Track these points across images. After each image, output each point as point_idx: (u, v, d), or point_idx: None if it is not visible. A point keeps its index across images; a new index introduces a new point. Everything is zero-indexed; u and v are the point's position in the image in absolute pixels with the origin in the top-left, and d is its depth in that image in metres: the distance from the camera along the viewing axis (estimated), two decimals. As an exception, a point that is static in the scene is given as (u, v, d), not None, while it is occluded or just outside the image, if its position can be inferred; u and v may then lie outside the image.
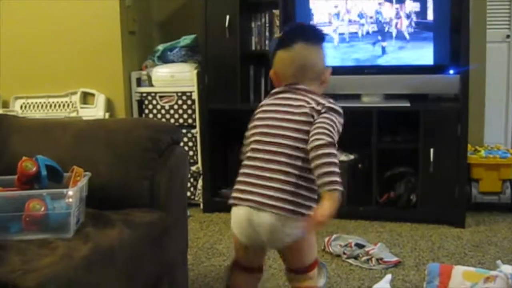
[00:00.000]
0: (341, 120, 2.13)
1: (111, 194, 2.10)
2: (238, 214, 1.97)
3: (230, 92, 3.87)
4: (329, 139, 1.92)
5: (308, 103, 2.09)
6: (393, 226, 3.63)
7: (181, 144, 3.94)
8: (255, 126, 2.10)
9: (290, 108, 2.08)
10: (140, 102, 4.21)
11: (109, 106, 4.16)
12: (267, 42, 3.97)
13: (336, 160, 1.88)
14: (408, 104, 3.69)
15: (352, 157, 3.84)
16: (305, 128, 2.00)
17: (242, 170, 2.01)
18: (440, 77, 3.70)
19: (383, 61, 3.80)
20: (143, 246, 1.92)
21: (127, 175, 2.12)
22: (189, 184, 4.12)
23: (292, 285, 2.15)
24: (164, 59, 4.25)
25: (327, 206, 1.80)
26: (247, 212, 1.94)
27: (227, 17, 3.83)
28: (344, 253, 3.11)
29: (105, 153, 2.15)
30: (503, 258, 2.95)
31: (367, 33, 3.79)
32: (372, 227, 3.63)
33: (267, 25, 3.95)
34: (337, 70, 3.83)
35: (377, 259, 3.01)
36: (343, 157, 3.83)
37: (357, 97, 3.90)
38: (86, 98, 4.20)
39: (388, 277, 2.76)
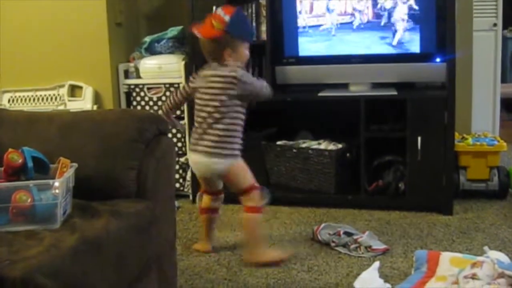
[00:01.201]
0: None
1: (98, 185, 2.09)
2: (192, 158, 2.99)
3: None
4: None
5: None
6: (382, 214, 3.64)
7: (170, 135, 3.96)
8: None
9: None
10: (128, 94, 4.21)
11: (97, 98, 4.15)
12: (255, 32, 3.97)
13: None
14: (395, 93, 3.71)
15: (340, 146, 3.86)
16: None
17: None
18: (426, 65, 3.72)
19: (370, 50, 3.81)
20: (130, 236, 1.92)
21: (113, 165, 2.11)
22: (178, 176, 4.12)
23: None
24: (151, 51, 4.24)
25: None
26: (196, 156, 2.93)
27: (214, 7, 3.81)
28: (333, 242, 3.13)
29: (91, 144, 2.15)
30: (490, 244, 2.98)
31: (354, 22, 3.80)
32: (361, 216, 3.65)
33: (254, 15, 3.95)
34: (325, 60, 3.90)
35: (366, 247, 3.03)
36: (331, 146, 3.85)
37: (344, 86, 3.92)
38: (74, 90, 4.19)
39: (376, 264, 2.78)
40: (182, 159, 4.08)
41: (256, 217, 2.96)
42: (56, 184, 1.82)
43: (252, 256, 2.96)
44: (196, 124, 2.96)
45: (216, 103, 2.87)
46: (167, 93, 4.08)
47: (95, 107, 4.09)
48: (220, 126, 2.86)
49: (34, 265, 1.48)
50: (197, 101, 2.98)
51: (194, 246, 3.20)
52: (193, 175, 4.02)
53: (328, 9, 3.84)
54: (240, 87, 2.86)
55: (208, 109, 2.88)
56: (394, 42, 3.75)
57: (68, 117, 2.33)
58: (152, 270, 2.15)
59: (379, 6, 3.74)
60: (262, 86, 2.98)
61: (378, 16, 3.75)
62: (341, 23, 3.83)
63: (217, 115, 2.86)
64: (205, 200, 3.14)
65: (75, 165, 1.99)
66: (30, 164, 1.90)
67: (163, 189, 2.25)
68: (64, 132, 2.21)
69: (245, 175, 2.96)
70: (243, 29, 2.98)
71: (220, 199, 3.16)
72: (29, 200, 1.78)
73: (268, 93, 3.04)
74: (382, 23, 3.75)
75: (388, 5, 3.71)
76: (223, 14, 2.85)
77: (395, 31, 3.74)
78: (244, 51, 2.96)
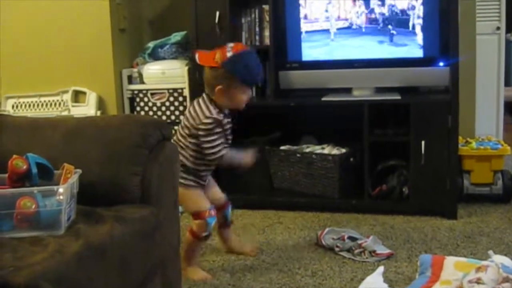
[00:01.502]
0: None
1: (102, 190, 2.09)
2: None
3: (221, 88, 3.87)
4: None
5: None
6: (386, 219, 3.64)
7: (173, 140, 3.97)
8: None
9: None
10: (132, 100, 4.22)
11: (101, 104, 4.16)
12: (257, 37, 3.98)
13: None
14: (398, 97, 3.71)
15: (343, 150, 3.86)
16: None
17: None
18: (430, 69, 3.72)
19: (373, 54, 3.81)
20: (135, 242, 1.92)
21: (117, 171, 2.11)
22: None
23: None
24: (155, 56, 4.25)
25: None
26: None
27: (217, 13, 3.84)
28: (337, 246, 3.12)
29: (95, 150, 2.15)
30: (494, 249, 2.98)
31: (357, 27, 3.81)
32: (365, 220, 3.64)
33: (257, 20, 3.96)
34: (328, 65, 3.90)
35: (370, 252, 3.03)
36: (335, 151, 3.86)
37: (348, 90, 3.92)
38: (78, 96, 4.20)
39: (381, 269, 2.77)
40: (186, 164, 4.08)
41: (194, 240, 2.92)
42: (61, 190, 1.82)
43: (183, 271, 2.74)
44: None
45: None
46: (171, 99, 4.09)
47: (98, 113, 4.10)
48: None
49: (38, 271, 1.49)
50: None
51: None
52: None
53: (330, 14, 3.84)
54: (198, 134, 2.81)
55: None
56: (398, 46, 3.75)
57: (72, 123, 2.34)
58: (156, 275, 2.15)
59: (381, 11, 3.73)
60: (214, 152, 2.83)
61: (381, 20, 3.75)
62: (344, 28, 3.83)
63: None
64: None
65: (79, 171, 1.99)
66: (34, 170, 1.90)
67: (167, 195, 2.25)
68: (68, 138, 2.22)
69: (190, 202, 2.91)
70: (243, 71, 2.79)
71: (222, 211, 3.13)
72: (33, 206, 1.78)
73: (216, 161, 2.89)
74: (386, 28, 3.75)
75: (391, 10, 3.71)
76: (228, 49, 2.78)
77: (399, 35, 3.74)
78: (240, 95, 2.84)
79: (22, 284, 1.43)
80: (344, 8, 3.82)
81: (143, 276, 2.01)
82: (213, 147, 2.81)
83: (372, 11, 3.76)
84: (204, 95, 2.88)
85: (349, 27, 3.83)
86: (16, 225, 1.79)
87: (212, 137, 2.80)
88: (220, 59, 2.75)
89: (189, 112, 2.87)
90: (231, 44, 2.82)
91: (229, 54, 2.75)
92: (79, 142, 2.20)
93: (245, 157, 2.95)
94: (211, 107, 2.82)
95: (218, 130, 2.81)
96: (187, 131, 2.85)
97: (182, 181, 2.75)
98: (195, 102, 2.89)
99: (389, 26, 3.74)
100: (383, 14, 3.74)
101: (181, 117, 3.00)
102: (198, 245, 2.95)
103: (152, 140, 2.21)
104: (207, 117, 2.79)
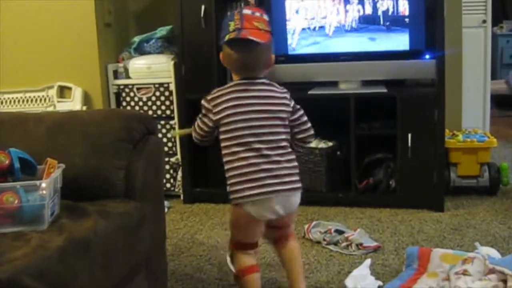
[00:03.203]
0: None
1: (86, 185, 2.09)
2: (265, 201, 2.25)
3: (207, 83, 3.84)
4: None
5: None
6: (373, 212, 3.64)
7: (160, 135, 3.96)
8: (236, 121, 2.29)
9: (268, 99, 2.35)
10: (118, 95, 4.19)
11: (86, 99, 4.14)
12: (243, 31, 3.96)
13: None
14: (385, 90, 3.71)
15: (330, 144, 3.85)
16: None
17: (246, 168, 2.25)
18: (416, 62, 3.72)
19: (359, 47, 3.80)
20: (119, 236, 1.91)
21: (101, 165, 2.10)
22: (168, 176, 4.11)
23: (280, 243, 2.48)
24: (140, 51, 4.23)
25: None
26: (275, 200, 2.27)
27: (203, 7, 3.82)
28: (324, 240, 3.12)
29: (79, 145, 2.14)
30: (481, 240, 2.99)
31: (343, 20, 3.80)
32: (352, 213, 3.64)
33: (242, 14, 3.94)
34: (314, 58, 3.89)
35: (357, 245, 3.03)
36: (322, 144, 3.85)
37: (334, 84, 3.92)
38: (63, 92, 4.18)
39: (368, 262, 2.78)
40: (172, 159, 4.07)
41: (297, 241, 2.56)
42: (43, 185, 1.80)
43: (302, 284, 2.44)
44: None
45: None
46: (157, 93, 4.07)
47: (84, 108, 4.07)
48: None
49: (20, 266, 1.48)
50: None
51: None
52: (184, 173, 4.02)
53: (317, 7, 3.83)
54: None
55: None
56: (384, 39, 3.75)
57: (56, 118, 2.32)
58: (141, 270, 2.14)
59: (368, 4, 3.73)
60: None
61: (367, 13, 3.74)
62: (331, 21, 3.82)
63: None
64: (242, 259, 2.41)
65: (62, 165, 1.97)
66: (17, 165, 1.89)
67: (152, 189, 2.24)
68: (51, 133, 2.20)
69: None
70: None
71: (257, 254, 2.54)
72: (16, 202, 1.77)
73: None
74: (372, 21, 3.74)
75: (377, 2, 3.71)
76: (259, 14, 2.32)
77: (385, 28, 3.73)
78: None
79: (4, 279, 1.42)
80: (330, 2, 3.80)
81: (128, 270, 2.00)
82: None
83: (358, 5, 3.75)
84: (256, 81, 2.35)
85: (335, 21, 3.81)
86: (-1, 220, 1.77)
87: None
88: (267, 26, 2.31)
89: (261, 104, 2.32)
90: (247, 11, 2.32)
91: (266, 17, 2.34)
92: (62, 137, 2.19)
93: None
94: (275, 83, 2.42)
95: None
96: (279, 123, 2.33)
97: (300, 184, 2.40)
98: (256, 92, 2.33)
99: (376, 19, 3.73)
100: (369, 8, 3.73)
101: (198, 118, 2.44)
102: None
103: (136, 134, 2.20)
104: (288, 91, 2.42)
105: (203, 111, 2.37)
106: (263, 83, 2.36)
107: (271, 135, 2.28)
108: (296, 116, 2.41)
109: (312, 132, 2.47)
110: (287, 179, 2.30)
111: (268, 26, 2.32)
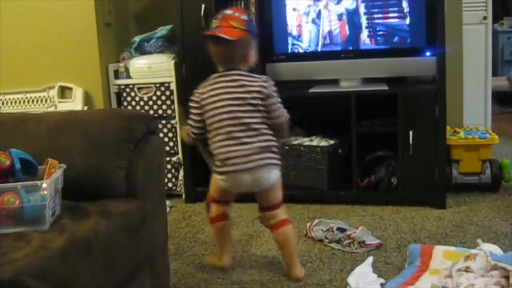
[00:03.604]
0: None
1: (87, 185, 2.08)
2: (236, 178, 2.62)
3: (208, 81, 3.85)
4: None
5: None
6: (375, 210, 3.64)
7: (161, 134, 3.96)
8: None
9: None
10: (119, 95, 4.19)
11: (87, 99, 4.14)
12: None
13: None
14: (386, 88, 3.71)
15: (332, 142, 3.85)
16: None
17: (224, 144, 2.61)
18: (417, 59, 3.72)
19: (359, 45, 3.80)
20: (120, 236, 1.91)
21: (102, 165, 2.10)
22: (170, 175, 4.11)
23: (268, 223, 2.77)
24: (141, 51, 4.23)
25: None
26: (244, 176, 2.60)
27: (203, 6, 3.81)
28: (326, 238, 3.12)
29: (80, 145, 2.14)
30: (483, 237, 2.98)
31: (343, 17, 3.79)
32: (354, 211, 3.64)
33: (243, 12, 3.94)
34: (315, 56, 3.89)
35: (359, 242, 3.03)
36: (323, 143, 3.84)
37: (335, 82, 3.91)
38: (64, 92, 4.17)
39: (370, 259, 2.78)
40: (174, 158, 4.07)
41: (291, 228, 2.79)
42: (44, 185, 1.80)
43: (299, 271, 2.74)
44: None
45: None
46: (158, 93, 4.07)
47: (85, 108, 4.07)
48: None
49: (21, 267, 1.47)
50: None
51: (206, 259, 3.00)
52: (185, 172, 4.02)
53: (317, 5, 3.83)
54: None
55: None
56: (384, 36, 3.75)
57: (56, 118, 2.32)
58: (143, 270, 2.14)
59: (368, 1, 3.73)
60: (284, 111, 2.70)
61: (367, 11, 3.74)
62: (330, 18, 3.82)
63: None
64: (216, 208, 2.84)
65: (63, 166, 1.97)
66: (17, 165, 1.89)
67: (153, 188, 2.24)
68: (52, 133, 2.20)
69: (281, 188, 2.79)
70: (255, 29, 2.75)
71: (231, 207, 2.92)
72: (17, 202, 1.77)
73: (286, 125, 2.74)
74: (371, 17, 3.74)
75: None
76: (238, 14, 2.66)
77: (385, 25, 3.73)
78: (255, 52, 2.75)
79: (6, 280, 1.42)
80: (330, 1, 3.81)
81: (130, 270, 2.00)
82: (282, 108, 2.68)
83: (358, 2, 3.75)
84: (231, 73, 2.65)
85: (335, 17, 3.82)
86: (0, 221, 1.77)
87: (278, 98, 2.69)
88: (243, 25, 2.62)
89: (235, 92, 2.62)
90: (228, 11, 2.68)
91: (244, 17, 2.66)
92: (63, 137, 2.18)
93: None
94: (254, 74, 2.69)
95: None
96: (250, 109, 2.61)
97: (277, 162, 2.67)
98: (227, 82, 2.64)
99: (376, 16, 3.73)
100: (369, 4, 3.73)
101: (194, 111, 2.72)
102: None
103: (137, 133, 2.20)
104: (268, 78, 2.69)
105: (193, 104, 2.71)
106: (238, 74, 2.66)
107: (243, 119, 2.60)
108: (267, 103, 2.63)
109: (281, 120, 2.67)
110: (256, 157, 2.58)
111: (246, 25, 2.64)
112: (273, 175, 2.67)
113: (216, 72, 2.72)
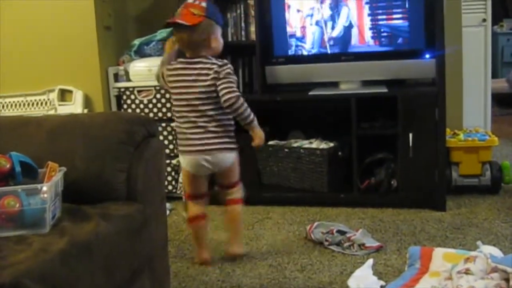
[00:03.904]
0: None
1: (88, 188, 2.08)
2: (194, 159, 2.83)
3: (208, 84, 3.86)
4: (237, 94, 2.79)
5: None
6: (375, 212, 3.64)
7: (161, 137, 3.96)
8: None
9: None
10: (119, 98, 4.20)
11: (87, 102, 4.14)
12: (243, 33, 3.97)
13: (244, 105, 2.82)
14: (385, 90, 3.71)
15: (331, 144, 3.85)
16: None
17: (183, 127, 2.84)
18: (416, 62, 3.72)
19: (359, 48, 3.81)
20: (121, 239, 1.91)
21: (103, 168, 2.10)
22: (170, 178, 4.11)
23: (224, 198, 3.00)
24: (140, 53, 4.23)
25: (257, 133, 2.90)
26: (205, 157, 2.81)
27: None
28: (326, 240, 3.12)
29: (80, 148, 2.13)
30: (483, 239, 2.99)
31: (342, 19, 3.80)
32: (354, 214, 3.64)
33: (242, 16, 3.95)
34: (315, 59, 3.89)
35: (359, 245, 3.03)
36: (323, 145, 3.85)
37: (335, 84, 3.92)
38: (64, 95, 4.18)
39: (370, 262, 2.78)
40: (174, 161, 4.07)
41: (241, 208, 3.03)
42: (44, 188, 1.80)
43: (239, 247, 3.03)
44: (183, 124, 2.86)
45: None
46: (158, 96, 4.07)
47: (85, 111, 4.07)
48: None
49: (22, 270, 1.47)
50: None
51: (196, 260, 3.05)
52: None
53: (316, 8, 3.83)
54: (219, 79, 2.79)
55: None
56: (383, 39, 3.75)
57: (56, 121, 2.32)
58: (144, 273, 2.14)
59: (368, 4, 3.73)
60: (235, 91, 2.81)
61: (367, 13, 3.75)
62: (329, 20, 3.82)
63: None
64: (191, 208, 3.00)
65: (64, 169, 1.97)
66: (18, 169, 1.89)
67: (154, 191, 2.24)
68: (52, 136, 2.20)
69: (238, 169, 3.00)
70: (218, 14, 2.89)
71: (206, 203, 3.07)
72: (17, 205, 1.76)
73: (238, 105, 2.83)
74: (371, 20, 3.75)
75: (376, 1, 3.72)
76: (198, 2, 2.80)
77: (384, 28, 3.74)
78: (220, 38, 2.89)
79: (6, 283, 1.41)
80: (328, 1, 3.81)
81: (130, 273, 2.00)
82: (231, 87, 2.78)
83: (357, 4, 3.75)
84: (192, 60, 2.84)
85: (334, 20, 3.82)
86: (0, 224, 1.77)
87: (231, 79, 2.80)
88: (202, 12, 2.77)
89: (191, 80, 2.81)
90: (190, 0, 2.82)
91: (204, 4, 2.79)
92: (63, 140, 2.18)
93: (258, 129, 2.94)
94: (217, 59, 2.84)
95: (233, 75, 2.85)
96: (203, 97, 2.79)
97: (233, 146, 2.88)
98: (187, 70, 2.83)
99: (375, 19, 3.74)
100: (368, 6, 3.74)
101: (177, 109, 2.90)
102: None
103: (137, 136, 2.20)
104: (225, 63, 2.83)
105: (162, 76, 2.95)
106: (199, 62, 2.82)
107: (199, 106, 2.79)
108: (218, 84, 2.77)
109: (228, 97, 2.75)
110: (212, 141, 2.80)
111: (205, 11, 2.77)
112: (229, 158, 2.88)
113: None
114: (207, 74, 2.79)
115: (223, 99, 2.76)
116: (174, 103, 2.88)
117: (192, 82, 2.81)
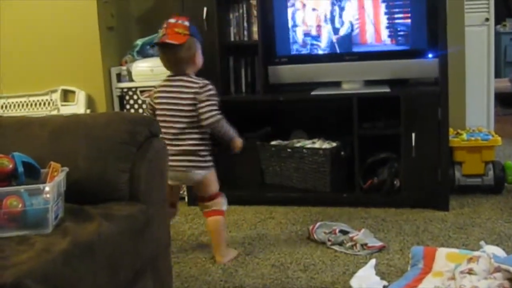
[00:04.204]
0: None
1: (90, 188, 2.08)
2: (174, 173, 2.87)
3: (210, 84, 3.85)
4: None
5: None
6: (378, 212, 3.64)
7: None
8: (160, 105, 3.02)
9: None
10: (121, 98, 4.20)
11: (90, 103, 4.15)
12: (245, 33, 3.97)
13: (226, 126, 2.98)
14: (388, 90, 3.70)
15: (334, 144, 3.85)
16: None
17: (166, 141, 2.74)
18: (419, 61, 3.72)
19: (361, 47, 3.80)
20: (123, 239, 1.91)
21: (105, 169, 2.10)
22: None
23: (204, 211, 3.07)
24: (143, 54, 4.23)
25: (236, 143, 3.04)
26: (176, 173, 2.91)
27: (205, 9, 3.83)
28: (329, 240, 3.12)
29: (82, 148, 2.13)
30: (486, 239, 2.98)
31: (345, 19, 3.79)
32: (357, 214, 3.64)
33: (245, 16, 3.95)
34: (317, 58, 3.89)
35: (362, 245, 3.03)
36: (326, 145, 3.85)
37: (337, 84, 3.92)
38: (67, 95, 4.18)
39: (373, 262, 2.77)
40: (176, 162, 4.07)
41: (222, 218, 3.09)
42: (47, 188, 1.80)
43: (221, 256, 3.05)
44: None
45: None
46: (160, 96, 4.07)
47: (88, 112, 4.07)
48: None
49: (25, 270, 1.47)
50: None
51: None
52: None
53: (318, 7, 3.83)
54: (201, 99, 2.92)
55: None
56: (386, 39, 3.75)
57: (59, 121, 2.32)
58: (146, 273, 2.14)
59: (370, 3, 3.73)
60: (215, 115, 2.94)
61: (369, 13, 3.74)
62: (332, 21, 3.82)
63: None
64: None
65: (66, 169, 1.98)
66: (20, 169, 1.89)
67: (156, 192, 2.24)
68: (55, 136, 2.20)
69: (215, 182, 3.08)
70: (198, 32, 3.06)
71: (174, 213, 3.20)
72: (20, 206, 1.77)
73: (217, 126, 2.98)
74: (373, 20, 3.74)
75: (378, 1, 3.72)
76: (181, 21, 2.97)
77: (387, 27, 3.74)
78: (200, 55, 3.04)
79: (8, 284, 1.41)
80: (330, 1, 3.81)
81: (133, 273, 2.00)
82: (214, 110, 2.93)
83: (359, 4, 3.75)
84: (176, 78, 2.99)
85: (337, 20, 3.82)
86: (3, 224, 1.77)
87: (212, 101, 2.93)
88: (186, 30, 2.93)
89: (174, 98, 2.96)
90: (172, 20, 2.97)
91: (186, 23, 2.96)
92: (66, 140, 2.18)
93: (237, 139, 3.07)
94: (198, 78, 2.98)
95: (215, 96, 2.98)
96: (181, 115, 2.93)
97: (210, 163, 3.02)
98: (171, 87, 2.99)
99: (377, 18, 3.73)
100: (370, 6, 3.74)
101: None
102: (225, 222, 3.15)
103: (140, 137, 2.20)
104: (206, 84, 2.95)
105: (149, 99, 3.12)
106: (180, 80, 2.98)
107: (176, 123, 2.92)
108: (198, 107, 2.91)
109: (211, 121, 2.91)
110: (182, 158, 2.93)
111: (189, 30, 2.93)
112: (196, 176, 2.98)
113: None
114: (187, 93, 2.93)
115: (205, 122, 2.91)
116: (158, 118, 2.93)
117: (172, 99, 2.96)
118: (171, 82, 3.00)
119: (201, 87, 2.92)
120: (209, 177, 3.02)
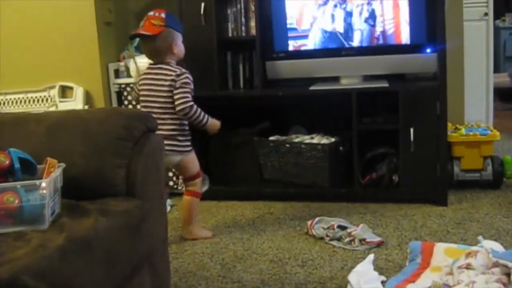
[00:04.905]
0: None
1: (87, 184, 2.08)
2: None
3: (208, 80, 3.86)
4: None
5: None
6: (376, 207, 3.64)
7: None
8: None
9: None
10: (119, 94, 4.19)
11: (88, 98, 4.14)
12: (243, 28, 3.96)
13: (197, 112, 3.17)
14: (386, 85, 3.70)
15: (333, 139, 3.85)
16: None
17: None
18: (417, 56, 3.71)
19: (360, 42, 3.80)
20: (120, 234, 1.91)
21: (102, 164, 2.10)
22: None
23: (185, 189, 3.32)
24: (141, 49, 4.21)
25: (211, 127, 3.28)
26: None
27: (202, 4, 3.82)
28: (327, 235, 3.12)
29: (79, 144, 2.13)
30: (485, 234, 2.99)
31: (343, 14, 3.79)
32: (355, 209, 3.64)
33: (242, 11, 3.94)
34: (315, 53, 3.88)
35: (360, 240, 3.02)
36: (324, 140, 3.85)
37: (335, 79, 3.91)
38: (65, 91, 4.19)
39: (371, 257, 2.76)
40: (175, 157, 4.07)
41: (196, 200, 3.33)
42: (43, 184, 1.80)
43: (187, 233, 3.31)
44: None
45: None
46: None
47: (86, 107, 4.07)
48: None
49: (21, 266, 1.47)
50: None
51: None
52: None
53: (316, 3, 3.82)
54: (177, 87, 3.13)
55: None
56: (384, 34, 3.74)
57: (56, 117, 2.31)
58: (144, 268, 2.14)
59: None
60: (188, 101, 3.14)
61: (367, 7, 3.73)
62: (330, 16, 3.81)
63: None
64: None
65: (63, 165, 1.97)
66: (17, 165, 1.89)
67: (153, 187, 2.23)
68: (51, 132, 2.20)
69: (194, 164, 3.31)
70: (178, 22, 3.28)
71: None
72: (16, 201, 1.76)
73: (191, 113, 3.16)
74: (371, 15, 3.73)
75: (377, -3, 3.72)
76: (158, 13, 3.17)
77: (385, 22, 3.73)
78: (181, 44, 3.25)
79: (4, 279, 1.41)
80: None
81: (130, 268, 2.00)
82: (186, 97, 3.12)
83: (358, -1, 3.75)
84: (156, 66, 3.20)
85: (335, 15, 3.81)
86: (-1, 220, 1.77)
87: (186, 89, 3.13)
88: (162, 22, 3.14)
89: (153, 85, 3.17)
90: (151, 12, 3.20)
91: (163, 15, 3.16)
92: (63, 136, 2.18)
93: (211, 121, 3.27)
94: (176, 67, 3.18)
95: (190, 84, 3.17)
96: (161, 101, 3.14)
97: (187, 148, 3.23)
98: (151, 75, 3.20)
99: (376, 13, 3.72)
100: (369, 1, 3.73)
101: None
102: (198, 203, 3.36)
103: (137, 132, 2.20)
104: (183, 72, 3.15)
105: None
106: (159, 68, 3.18)
107: (156, 109, 3.11)
108: (174, 93, 3.11)
109: (182, 107, 3.10)
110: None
111: (165, 21, 3.13)
112: (175, 159, 3.18)
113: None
114: (165, 80, 3.13)
115: (178, 108, 3.11)
116: (141, 104, 3.23)
117: (151, 85, 3.17)
118: (152, 70, 3.21)
119: (178, 75, 3.12)
120: (187, 159, 3.23)
